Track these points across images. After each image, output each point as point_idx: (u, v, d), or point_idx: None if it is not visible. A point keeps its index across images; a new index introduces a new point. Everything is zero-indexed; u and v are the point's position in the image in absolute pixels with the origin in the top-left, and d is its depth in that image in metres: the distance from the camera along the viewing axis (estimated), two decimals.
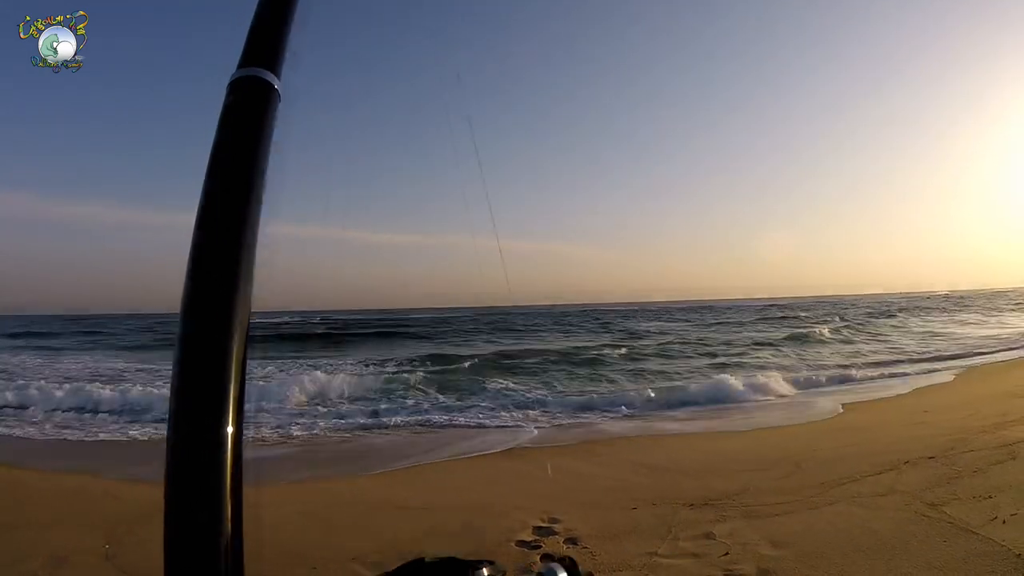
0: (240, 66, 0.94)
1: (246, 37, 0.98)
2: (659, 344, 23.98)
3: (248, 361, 0.82)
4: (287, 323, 43.52)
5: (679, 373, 15.71)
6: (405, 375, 14.92)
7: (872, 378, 13.37)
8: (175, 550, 0.70)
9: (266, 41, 0.98)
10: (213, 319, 0.78)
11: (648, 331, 33.64)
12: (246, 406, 0.78)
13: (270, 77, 0.94)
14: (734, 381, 12.34)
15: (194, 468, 0.73)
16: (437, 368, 16.67)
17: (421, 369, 16.30)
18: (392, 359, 19.86)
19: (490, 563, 0.94)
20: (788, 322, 36.50)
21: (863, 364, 15.87)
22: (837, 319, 36.38)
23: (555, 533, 4.26)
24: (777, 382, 12.44)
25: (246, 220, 0.84)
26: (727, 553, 3.69)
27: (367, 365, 18.17)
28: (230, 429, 0.74)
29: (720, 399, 11.32)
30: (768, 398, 11.42)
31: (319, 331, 37.16)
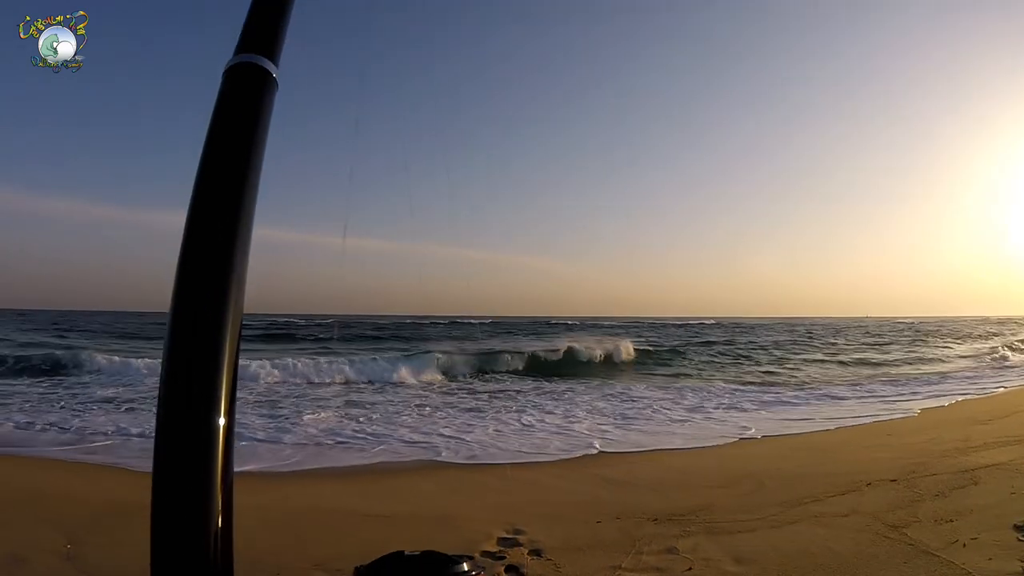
0: (237, 52, 0.90)
1: (244, 22, 0.94)
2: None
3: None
4: None
5: None
6: None
7: None
8: (163, 537, 0.71)
9: (264, 27, 0.94)
10: (204, 308, 0.75)
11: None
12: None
13: (268, 64, 0.90)
14: None
15: (184, 457, 0.71)
16: None
17: None
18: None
19: (469, 558, 0.92)
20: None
21: None
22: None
23: (519, 544, 4.20)
24: None
25: (240, 211, 0.82)
26: (690, 568, 3.67)
27: None
28: (222, 420, 0.74)
29: None
30: None
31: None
